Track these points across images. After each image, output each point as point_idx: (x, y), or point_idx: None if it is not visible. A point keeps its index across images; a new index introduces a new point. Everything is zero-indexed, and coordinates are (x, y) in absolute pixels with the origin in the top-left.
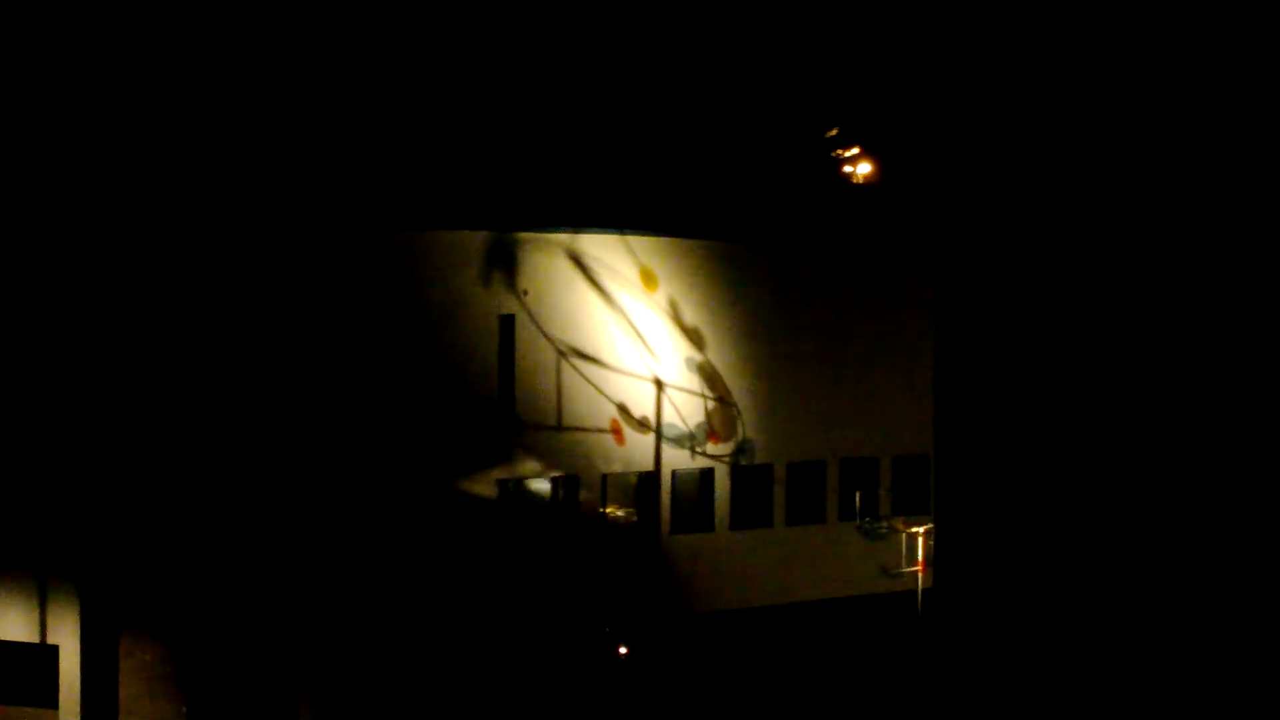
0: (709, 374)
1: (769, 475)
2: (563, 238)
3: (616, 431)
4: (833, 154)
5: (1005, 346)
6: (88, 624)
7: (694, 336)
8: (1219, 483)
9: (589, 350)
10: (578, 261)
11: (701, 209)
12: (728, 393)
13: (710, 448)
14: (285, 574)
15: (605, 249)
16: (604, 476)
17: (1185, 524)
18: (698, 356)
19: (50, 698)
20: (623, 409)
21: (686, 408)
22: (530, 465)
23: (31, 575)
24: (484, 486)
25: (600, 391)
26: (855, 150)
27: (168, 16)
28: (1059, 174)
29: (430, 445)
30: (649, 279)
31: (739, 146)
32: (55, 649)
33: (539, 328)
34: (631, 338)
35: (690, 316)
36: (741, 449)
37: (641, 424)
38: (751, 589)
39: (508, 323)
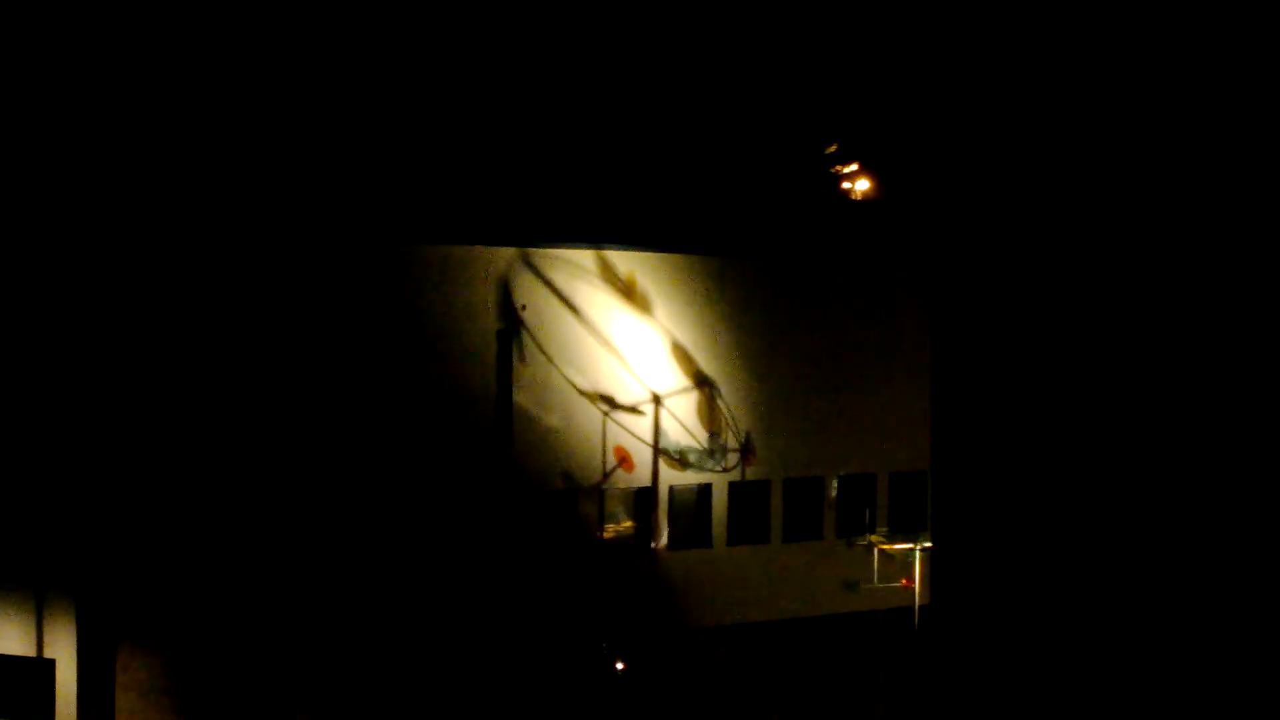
0: (711, 391)
1: (766, 491)
2: (562, 253)
3: (625, 460)
4: (832, 170)
5: (1004, 363)
6: (85, 638)
7: (695, 353)
8: (1222, 496)
9: (588, 365)
10: (576, 277)
11: (702, 226)
12: (729, 408)
13: (746, 468)
14: (283, 587)
15: (604, 265)
16: (601, 492)
17: (1190, 537)
18: (699, 373)
19: (47, 712)
20: (630, 434)
21: (694, 425)
22: (527, 480)
23: (29, 589)
24: (481, 501)
25: (597, 404)
26: (854, 166)
27: (174, 22)
28: (1060, 191)
29: (427, 459)
30: (648, 295)
31: (740, 164)
32: (52, 663)
33: (536, 344)
34: (632, 354)
35: (690, 333)
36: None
37: (657, 449)
38: (749, 604)
39: (505, 338)
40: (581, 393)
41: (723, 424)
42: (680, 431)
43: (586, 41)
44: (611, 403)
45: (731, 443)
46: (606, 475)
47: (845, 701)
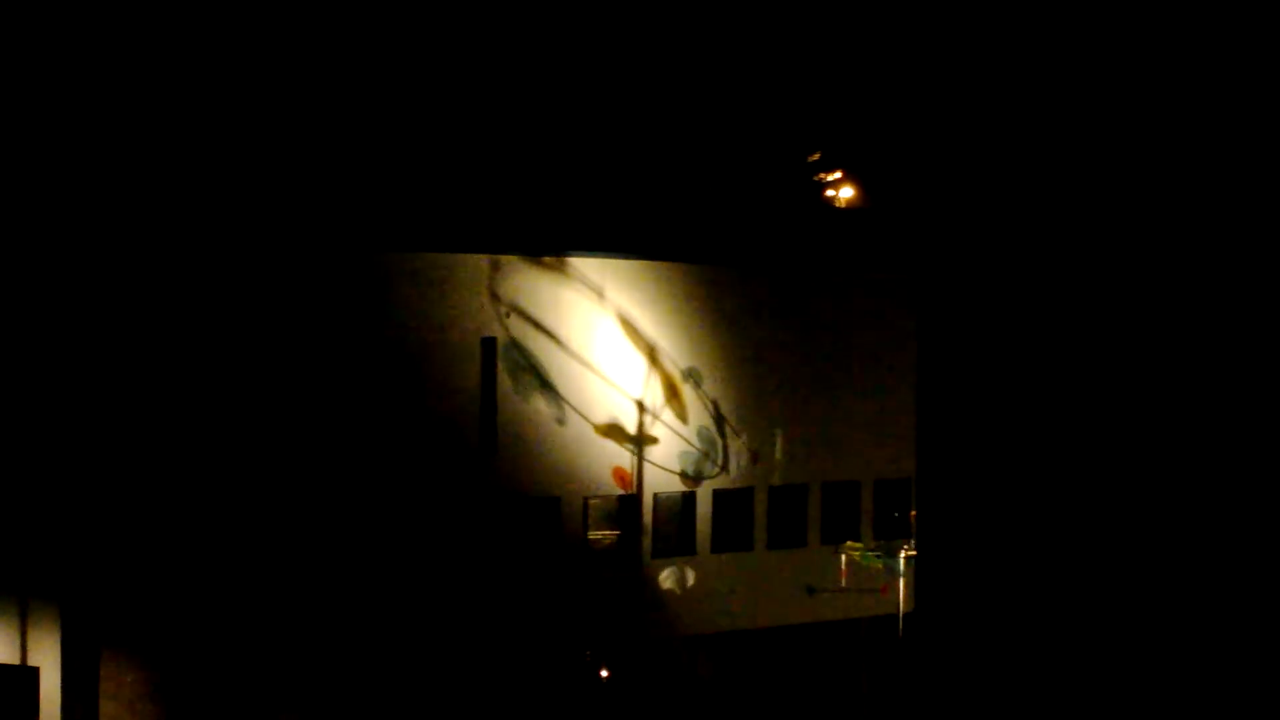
0: (702, 399)
1: (750, 499)
2: (547, 261)
3: (624, 479)
4: (815, 178)
5: (991, 370)
6: (69, 645)
7: (679, 361)
8: (1209, 502)
9: (573, 373)
10: (561, 285)
11: (688, 234)
12: (719, 416)
13: (754, 471)
14: (266, 595)
15: (591, 273)
16: (586, 500)
17: (1178, 545)
18: (685, 381)
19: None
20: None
21: (690, 435)
22: (512, 488)
23: (13, 597)
24: (466, 510)
25: (582, 415)
26: (838, 174)
27: (159, 35)
28: (1047, 196)
29: (412, 468)
30: (633, 303)
31: (725, 173)
32: (36, 671)
33: (521, 352)
34: (617, 362)
35: (675, 341)
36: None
37: (641, 456)
38: (733, 612)
39: (490, 345)
40: (567, 402)
41: (725, 431)
42: (681, 444)
43: (574, 54)
44: (607, 429)
45: (739, 449)
46: (628, 491)
47: (828, 709)
